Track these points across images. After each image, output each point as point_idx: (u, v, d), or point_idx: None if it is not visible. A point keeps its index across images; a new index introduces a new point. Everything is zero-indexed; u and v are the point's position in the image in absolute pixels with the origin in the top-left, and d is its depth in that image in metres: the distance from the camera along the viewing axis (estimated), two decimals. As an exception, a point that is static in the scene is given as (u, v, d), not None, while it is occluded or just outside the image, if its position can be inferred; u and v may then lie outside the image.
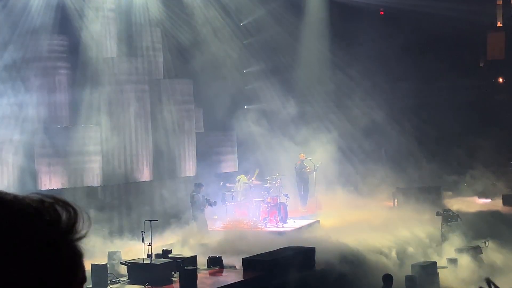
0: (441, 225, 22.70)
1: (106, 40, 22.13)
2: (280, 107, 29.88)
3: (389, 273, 15.64)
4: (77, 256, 1.43)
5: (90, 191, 19.88)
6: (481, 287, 11.52)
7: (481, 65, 35.38)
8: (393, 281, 15.94)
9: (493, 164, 30.04)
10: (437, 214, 23.20)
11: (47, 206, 1.41)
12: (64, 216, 1.41)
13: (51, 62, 21.09)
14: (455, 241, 21.30)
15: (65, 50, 21.45)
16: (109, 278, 14.36)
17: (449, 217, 22.85)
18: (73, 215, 1.42)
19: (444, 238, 22.03)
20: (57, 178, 19.98)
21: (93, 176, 20.57)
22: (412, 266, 18.02)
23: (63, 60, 21.41)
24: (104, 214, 19.89)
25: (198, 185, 20.44)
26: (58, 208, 1.42)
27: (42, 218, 1.40)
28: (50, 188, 19.44)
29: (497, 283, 13.95)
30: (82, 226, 1.43)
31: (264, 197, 21.85)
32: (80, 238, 1.43)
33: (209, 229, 20.00)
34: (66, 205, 1.43)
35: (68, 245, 1.41)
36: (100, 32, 21.79)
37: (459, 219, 22.98)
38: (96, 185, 20.36)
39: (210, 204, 20.27)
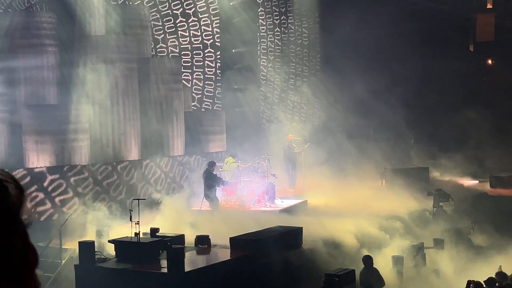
0: (433, 204, 22.77)
1: (95, 18, 21.97)
2: (268, 88, 29.87)
3: (368, 255, 15.72)
4: (29, 246, 1.39)
5: (78, 170, 19.81)
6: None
7: (471, 46, 35.40)
8: (383, 261, 16.07)
9: (482, 145, 30.16)
10: (429, 194, 23.26)
11: None
12: (13, 193, 1.36)
13: (39, 39, 20.93)
14: (444, 221, 21.42)
15: (54, 27, 21.28)
16: (96, 256, 14.36)
17: (440, 197, 22.93)
18: (21, 195, 1.38)
19: (435, 218, 22.13)
20: (44, 156, 19.89)
21: (81, 155, 20.49)
22: (399, 246, 18.10)
23: (51, 38, 21.24)
24: (92, 193, 19.86)
25: (212, 163, 20.46)
26: (7, 184, 1.37)
27: None
28: (38, 166, 19.37)
29: (484, 264, 14.00)
30: (28, 209, 1.39)
31: (252, 177, 21.86)
32: (30, 223, 1.39)
33: (220, 207, 20.06)
34: (15, 183, 1.39)
35: (18, 223, 1.36)
36: (88, 9, 21.63)
37: (450, 199, 23.09)
38: (84, 164, 20.29)
39: (223, 183, 20.30)
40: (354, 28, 28.51)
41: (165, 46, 25.71)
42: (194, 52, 26.78)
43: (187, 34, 26.64)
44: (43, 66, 20.91)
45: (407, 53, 30.76)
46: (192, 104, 26.57)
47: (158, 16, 25.57)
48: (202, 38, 27.02)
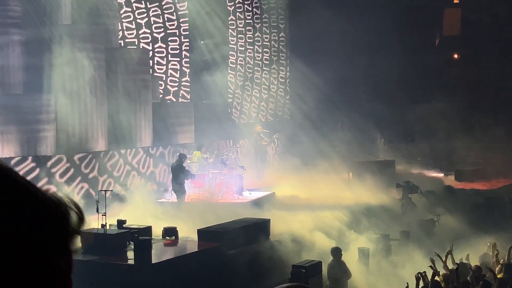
0: (401, 196, 22.91)
1: (62, 6, 21.70)
2: (236, 79, 29.83)
3: (337, 246, 15.83)
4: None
5: (44, 160, 19.59)
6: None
7: (437, 40, 35.73)
8: (349, 253, 16.17)
9: (447, 139, 30.49)
10: (398, 186, 23.38)
11: (62, 202, 1.37)
12: (72, 218, 1.37)
13: (4, 28, 20.62)
14: (412, 213, 21.62)
15: (19, 16, 20.97)
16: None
17: (409, 189, 23.09)
18: (80, 219, 1.38)
19: (403, 210, 22.29)
20: (9, 147, 19.63)
21: (47, 145, 20.27)
22: (365, 238, 18.23)
23: (17, 27, 20.92)
24: (58, 184, 19.68)
25: (183, 156, 20.24)
26: (69, 209, 1.37)
27: (57, 214, 1.35)
28: (2, 157, 19.10)
29: (449, 256, 14.06)
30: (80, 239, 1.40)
31: (220, 169, 21.82)
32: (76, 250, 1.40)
33: (185, 200, 19.90)
34: (76, 208, 1.39)
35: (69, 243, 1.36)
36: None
37: (419, 191, 23.26)
38: (49, 154, 20.07)
39: (192, 177, 20.13)
40: (322, 21, 28.57)
41: (132, 36, 25.47)
42: (162, 43, 26.59)
43: (154, 24, 26.43)
44: (8, 55, 20.60)
45: (374, 47, 30.96)
46: (160, 95, 26.39)
47: (127, 4, 25.33)
48: (169, 28, 26.83)
